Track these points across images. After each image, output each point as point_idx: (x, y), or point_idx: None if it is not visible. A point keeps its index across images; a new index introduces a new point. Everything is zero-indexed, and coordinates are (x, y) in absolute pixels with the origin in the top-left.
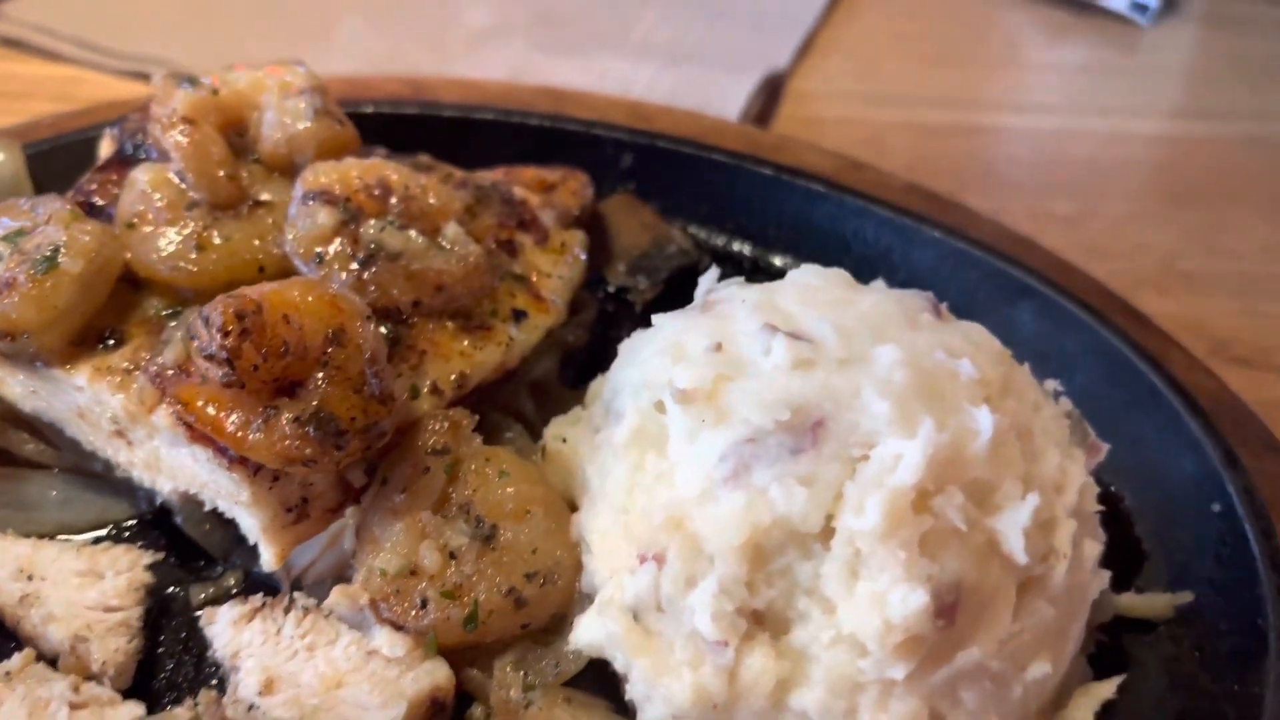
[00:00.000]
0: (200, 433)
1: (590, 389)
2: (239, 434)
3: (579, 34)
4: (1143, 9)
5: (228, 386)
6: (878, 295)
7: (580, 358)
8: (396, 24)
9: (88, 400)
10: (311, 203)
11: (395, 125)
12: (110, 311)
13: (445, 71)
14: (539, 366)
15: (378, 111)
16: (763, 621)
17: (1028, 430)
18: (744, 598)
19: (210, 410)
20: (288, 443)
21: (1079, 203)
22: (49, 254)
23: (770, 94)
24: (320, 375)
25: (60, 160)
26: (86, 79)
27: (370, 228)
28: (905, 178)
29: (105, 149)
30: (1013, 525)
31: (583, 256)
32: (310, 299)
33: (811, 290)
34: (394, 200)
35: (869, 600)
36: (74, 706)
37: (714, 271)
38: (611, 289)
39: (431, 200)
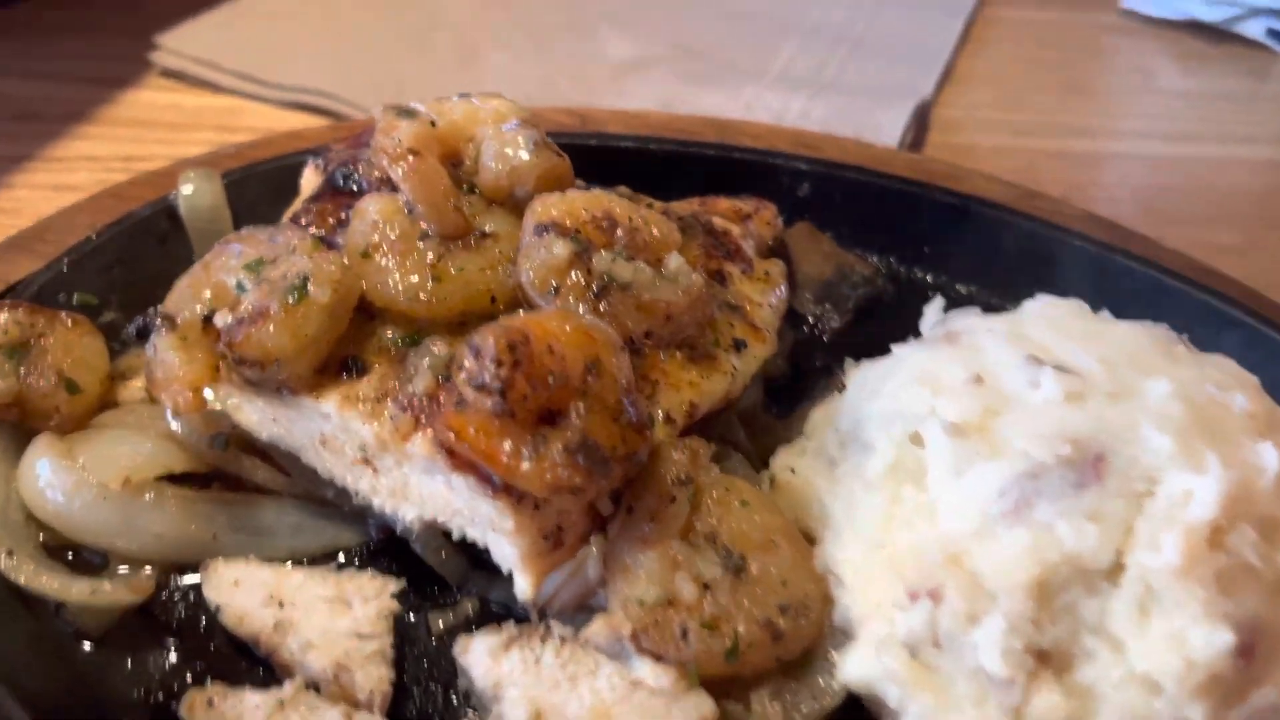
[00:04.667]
0: (465, 461)
1: (812, 419)
2: (511, 462)
3: (720, 65)
4: None
5: (497, 416)
6: (1126, 327)
7: (779, 386)
8: (541, 55)
9: (333, 428)
10: (546, 234)
11: (574, 156)
12: (348, 340)
13: (595, 102)
14: (748, 395)
15: (559, 144)
16: (1047, 659)
17: None
18: (1030, 635)
19: (482, 439)
20: (559, 471)
21: (1242, 233)
22: (298, 283)
23: (919, 122)
24: (581, 404)
25: (251, 190)
26: (245, 109)
27: (602, 259)
28: (1080, 207)
29: (309, 179)
30: None
31: (785, 286)
32: (569, 329)
33: (1059, 322)
34: (620, 232)
35: (1165, 639)
36: None
37: (939, 301)
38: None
39: (654, 232)
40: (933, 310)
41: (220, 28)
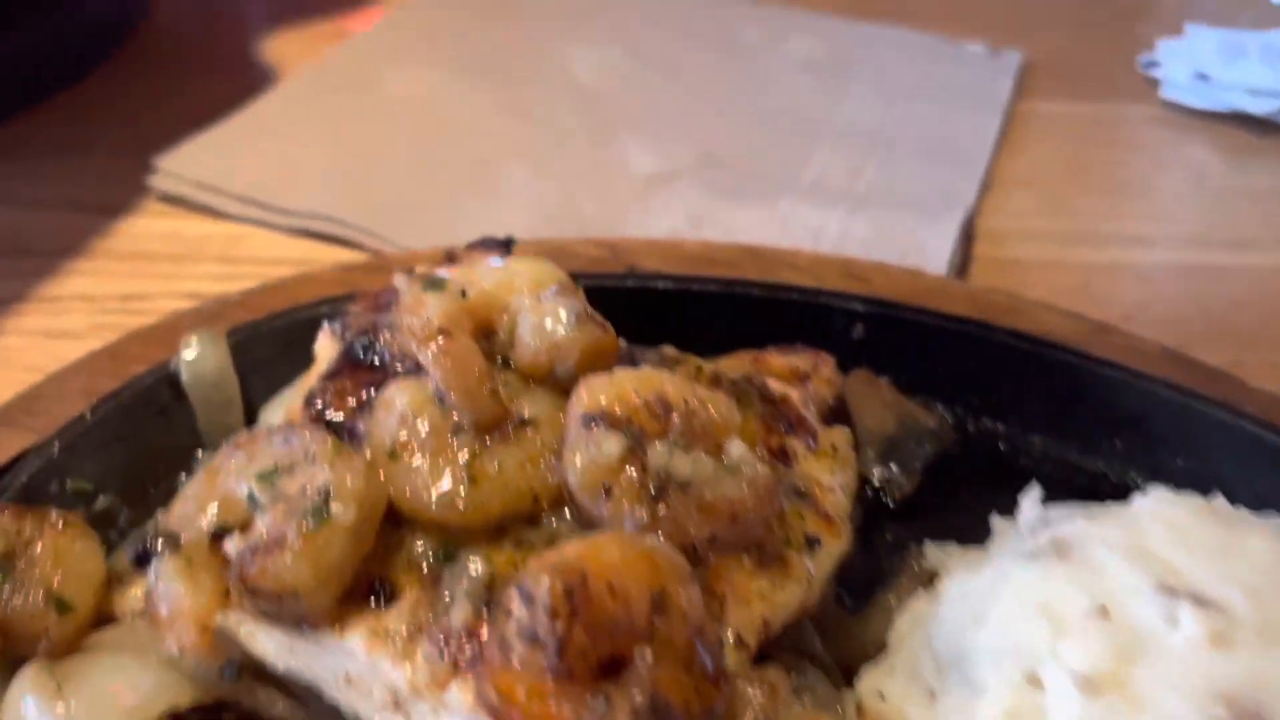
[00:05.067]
0: None
1: (897, 629)
2: None
3: (748, 176)
4: None
5: (553, 677)
6: (1259, 536)
7: (847, 568)
8: (561, 170)
9: (359, 667)
10: (595, 427)
11: (610, 303)
12: (374, 555)
13: (621, 221)
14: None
15: (592, 285)
16: None
17: None
18: None
19: (536, 705)
20: None
21: None
22: (318, 501)
23: (965, 235)
24: (647, 651)
25: (260, 349)
26: (250, 236)
27: (658, 453)
28: (1156, 342)
29: (325, 347)
30: None
31: (854, 460)
32: (630, 559)
33: (1182, 530)
34: (675, 418)
35: None
36: None
37: (1036, 491)
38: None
39: (712, 414)
40: (1030, 505)
41: (221, 148)
